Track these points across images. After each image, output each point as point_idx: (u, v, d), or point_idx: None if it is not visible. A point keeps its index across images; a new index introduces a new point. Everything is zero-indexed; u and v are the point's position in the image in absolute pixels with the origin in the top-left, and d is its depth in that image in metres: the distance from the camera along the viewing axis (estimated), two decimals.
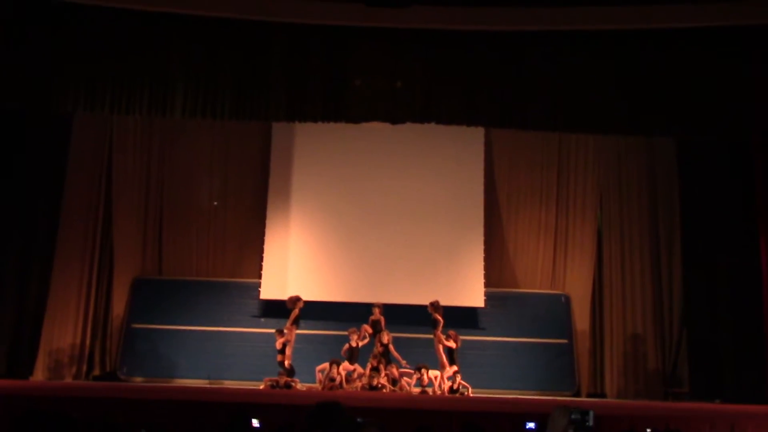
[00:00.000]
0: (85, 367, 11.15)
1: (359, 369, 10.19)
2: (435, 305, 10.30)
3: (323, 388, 9.99)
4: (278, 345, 10.17)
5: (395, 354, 10.24)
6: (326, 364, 10.10)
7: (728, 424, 7.11)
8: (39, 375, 10.80)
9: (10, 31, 9.60)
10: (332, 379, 10.00)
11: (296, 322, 10.27)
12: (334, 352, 10.33)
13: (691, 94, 9.75)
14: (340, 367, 10.07)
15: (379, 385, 9.96)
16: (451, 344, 10.14)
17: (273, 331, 10.34)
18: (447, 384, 10.07)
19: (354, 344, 10.21)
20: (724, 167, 10.83)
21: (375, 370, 10.09)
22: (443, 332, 10.20)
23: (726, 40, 9.62)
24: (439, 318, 10.21)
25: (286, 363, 10.13)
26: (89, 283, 11.41)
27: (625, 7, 9.52)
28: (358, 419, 4.13)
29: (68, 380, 10.91)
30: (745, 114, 9.70)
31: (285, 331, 10.18)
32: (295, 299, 10.31)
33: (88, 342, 11.25)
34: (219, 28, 9.74)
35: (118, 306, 11.43)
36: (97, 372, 11.24)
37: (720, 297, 10.82)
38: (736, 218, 10.64)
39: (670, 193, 11.73)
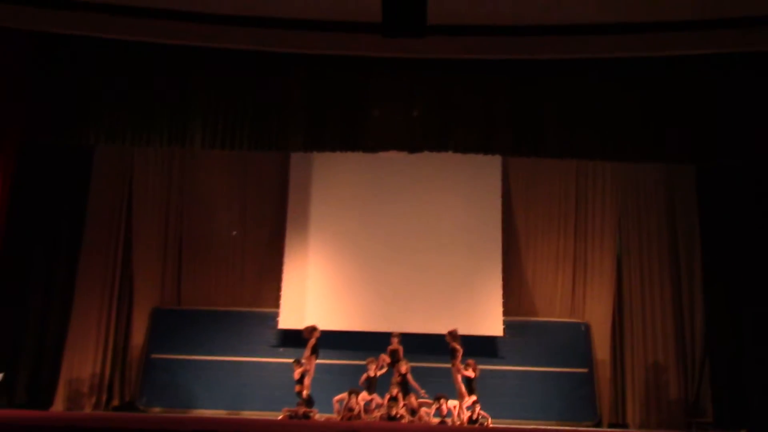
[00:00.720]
0: (104, 397, 11.18)
1: (377, 399, 10.11)
2: (453, 334, 10.21)
3: (341, 419, 9.92)
4: (296, 375, 10.12)
5: (414, 384, 10.15)
6: (344, 394, 10.02)
7: None
8: (59, 405, 10.84)
9: (32, 68, 9.78)
10: (350, 409, 9.92)
11: (315, 352, 10.21)
12: (352, 382, 10.26)
13: (710, 120, 9.72)
14: (359, 397, 10.00)
15: (398, 415, 9.87)
16: (470, 374, 10.04)
17: (291, 361, 10.31)
18: (466, 414, 9.95)
19: (372, 374, 10.13)
20: (745, 191, 10.69)
21: (393, 400, 10.00)
22: (462, 361, 10.10)
23: (748, 65, 9.60)
24: (458, 347, 10.11)
25: (305, 393, 10.08)
26: (109, 313, 11.48)
27: (642, 35, 9.52)
28: None
29: (87, 410, 10.94)
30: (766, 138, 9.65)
31: (303, 361, 10.14)
32: (311, 329, 10.26)
33: (107, 372, 11.30)
34: (237, 60, 9.87)
35: (138, 336, 11.48)
36: (116, 402, 11.26)
37: (743, 323, 10.60)
38: (757, 242, 10.48)
39: (689, 218, 11.61)
